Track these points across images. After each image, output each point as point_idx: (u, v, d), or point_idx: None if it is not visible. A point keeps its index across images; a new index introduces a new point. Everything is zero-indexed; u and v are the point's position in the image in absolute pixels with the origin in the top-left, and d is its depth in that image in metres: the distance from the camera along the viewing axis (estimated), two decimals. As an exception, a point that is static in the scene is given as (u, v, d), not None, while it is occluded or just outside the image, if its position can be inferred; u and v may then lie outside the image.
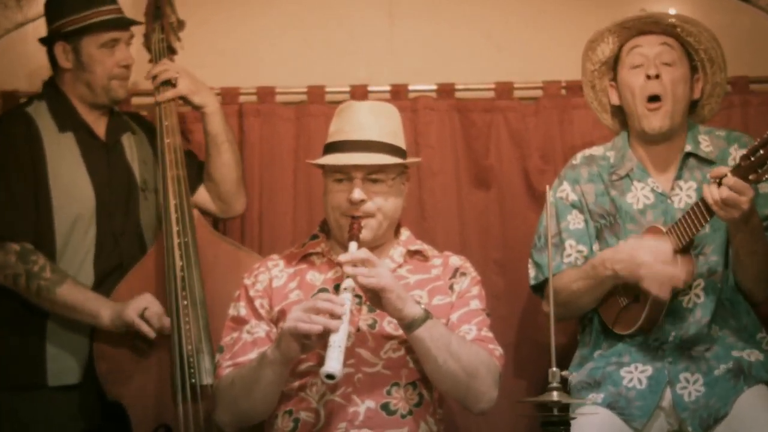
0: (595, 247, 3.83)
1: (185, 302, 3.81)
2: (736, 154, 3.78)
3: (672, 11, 4.12)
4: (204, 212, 4.13)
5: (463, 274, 3.54)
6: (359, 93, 4.39)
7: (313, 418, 3.37)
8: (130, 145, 4.09)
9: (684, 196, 3.78)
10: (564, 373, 3.07)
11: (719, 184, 3.46)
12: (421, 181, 4.37)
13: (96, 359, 3.82)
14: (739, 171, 3.45)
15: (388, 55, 4.49)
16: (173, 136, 4.01)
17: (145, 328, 3.73)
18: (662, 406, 3.67)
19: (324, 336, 3.18)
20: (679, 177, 3.80)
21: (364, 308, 3.42)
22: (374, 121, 3.44)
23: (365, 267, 3.26)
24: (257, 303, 3.48)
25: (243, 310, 3.49)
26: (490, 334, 3.47)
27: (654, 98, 3.75)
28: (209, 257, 3.93)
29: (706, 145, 3.83)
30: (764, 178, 3.43)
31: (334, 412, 3.35)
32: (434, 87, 4.45)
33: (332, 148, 3.45)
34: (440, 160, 4.41)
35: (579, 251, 3.82)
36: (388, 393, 3.38)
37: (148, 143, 4.12)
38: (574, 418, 3.07)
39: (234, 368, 3.41)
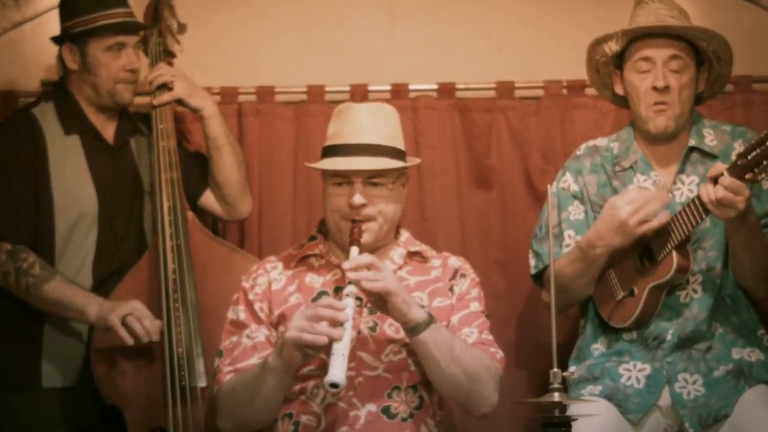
0: None
1: (177, 305, 3.81)
2: (740, 149, 3.74)
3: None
4: (210, 215, 4.13)
5: (463, 275, 3.53)
6: (359, 92, 4.38)
7: (314, 422, 3.36)
8: (139, 147, 4.08)
9: (686, 190, 3.78)
10: (565, 374, 3.06)
11: (715, 183, 3.46)
12: (422, 181, 4.36)
13: (93, 362, 3.81)
14: (735, 170, 3.44)
15: (388, 55, 4.48)
16: (168, 139, 4.00)
17: (123, 334, 3.70)
18: (659, 404, 3.67)
19: (327, 344, 3.17)
20: (681, 171, 3.80)
21: (365, 310, 3.41)
22: (373, 124, 3.42)
23: (370, 271, 3.24)
24: (257, 307, 3.46)
25: (242, 314, 3.48)
26: (491, 337, 3.46)
27: (660, 103, 3.75)
28: (203, 259, 3.92)
29: (710, 139, 3.83)
30: (759, 178, 3.43)
31: (335, 416, 3.34)
32: (435, 86, 4.44)
33: (331, 151, 3.44)
34: (441, 159, 4.40)
35: (578, 242, 3.81)
36: (389, 396, 3.37)
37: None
38: (575, 419, 3.06)
39: (235, 374, 3.40)
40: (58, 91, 4.02)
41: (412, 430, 3.37)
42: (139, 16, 4.12)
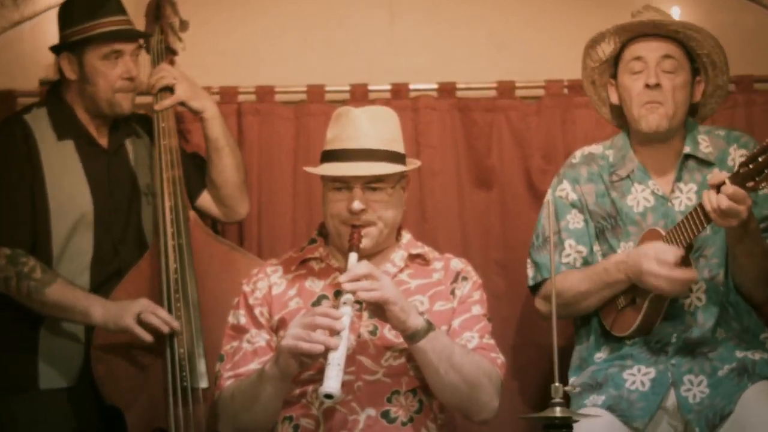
0: (595, 247, 3.82)
1: (178, 305, 3.79)
2: (735, 154, 3.78)
3: (676, 9, 4.10)
4: (207, 216, 4.11)
5: (465, 278, 3.52)
6: (359, 92, 4.37)
7: (313, 426, 3.35)
8: (134, 149, 4.06)
9: (684, 198, 3.77)
10: (567, 388, 3.05)
11: (718, 191, 3.44)
12: (422, 182, 4.35)
13: (93, 362, 3.80)
14: (737, 178, 3.43)
15: (388, 55, 4.46)
16: (170, 137, 3.98)
17: (140, 332, 3.70)
18: (665, 407, 3.66)
19: (323, 353, 3.16)
20: (678, 179, 3.79)
21: (365, 314, 3.39)
22: (372, 128, 3.40)
23: (367, 280, 3.23)
24: (257, 311, 3.45)
25: (243, 318, 3.47)
26: (492, 342, 3.44)
27: (652, 101, 3.73)
28: (204, 259, 3.90)
29: (705, 145, 3.81)
30: (761, 187, 3.42)
31: (334, 420, 3.33)
32: (435, 86, 4.43)
33: (331, 156, 3.42)
34: (441, 160, 4.39)
35: (578, 251, 3.81)
36: (389, 401, 3.36)
37: (151, 146, 4.08)
38: (576, 421, 3.04)
39: (235, 379, 3.39)
40: (51, 96, 4.00)
41: (412, 434, 3.37)
42: (141, 13, 4.10)
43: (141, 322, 3.70)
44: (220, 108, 4.12)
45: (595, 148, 3.92)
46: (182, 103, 4.04)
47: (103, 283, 3.88)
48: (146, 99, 4.20)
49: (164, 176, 3.93)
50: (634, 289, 3.68)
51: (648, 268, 3.58)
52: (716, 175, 3.51)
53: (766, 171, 3.38)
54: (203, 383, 3.72)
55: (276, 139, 4.40)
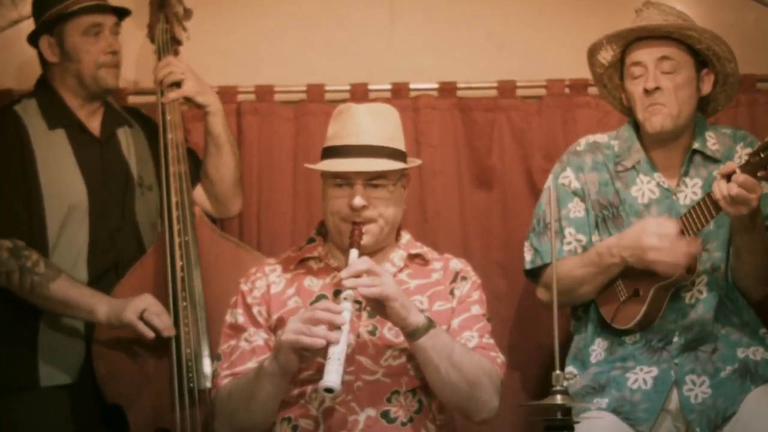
0: (595, 237, 3.82)
1: (185, 304, 3.77)
2: (742, 152, 3.79)
3: (677, 7, 4.07)
4: None
5: (464, 278, 3.51)
6: (359, 92, 4.36)
7: (312, 426, 3.34)
8: (127, 139, 4.04)
9: (689, 192, 3.78)
10: (567, 374, 3.05)
11: (728, 180, 3.45)
12: (423, 181, 4.35)
13: (95, 360, 3.78)
14: (747, 167, 3.45)
15: (388, 54, 4.46)
16: (176, 131, 3.96)
17: (142, 329, 3.68)
18: (668, 408, 3.65)
19: (324, 347, 3.14)
20: (685, 173, 3.80)
21: (364, 314, 3.39)
22: (373, 125, 3.40)
23: (368, 276, 3.21)
24: (255, 310, 3.44)
25: (240, 317, 3.46)
26: (492, 341, 3.44)
27: (653, 104, 3.74)
28: (210, 256, 3.88)
29: (713, 143, 3.82)
30: None
31: (334, 421, 3.32)
32: (436, 86, 4.42)
33: (331, 152, 3.41)
34: (442, 159, 4.39)
35: (578, 240, 3.82)
36: (388, 401, 3.35)
37: (145, 139, 4.07)
38: (578, 422, 3.03)
39: (232, 378, 3.38)
40: (39, 87, 3.99)
41: (412, 434, 3.36)
42: (145, 2, 4.10)
43: (143, 320, 3.68)
44: (219, 107, 4.13)
45: (600, 137, 3.93)
46: (187, 98, 4.02)
47: (102, 274, 3.86)
48: (146, 99, 4.21)
49: (171, 171, 3.90)
50: (636, 281, 3.68)
51: (649, 242, 3.59)
52: (727, 165, 3.52)
53: None
54: (208, 384, 3.69)
55: (276, 138, 4.39)
